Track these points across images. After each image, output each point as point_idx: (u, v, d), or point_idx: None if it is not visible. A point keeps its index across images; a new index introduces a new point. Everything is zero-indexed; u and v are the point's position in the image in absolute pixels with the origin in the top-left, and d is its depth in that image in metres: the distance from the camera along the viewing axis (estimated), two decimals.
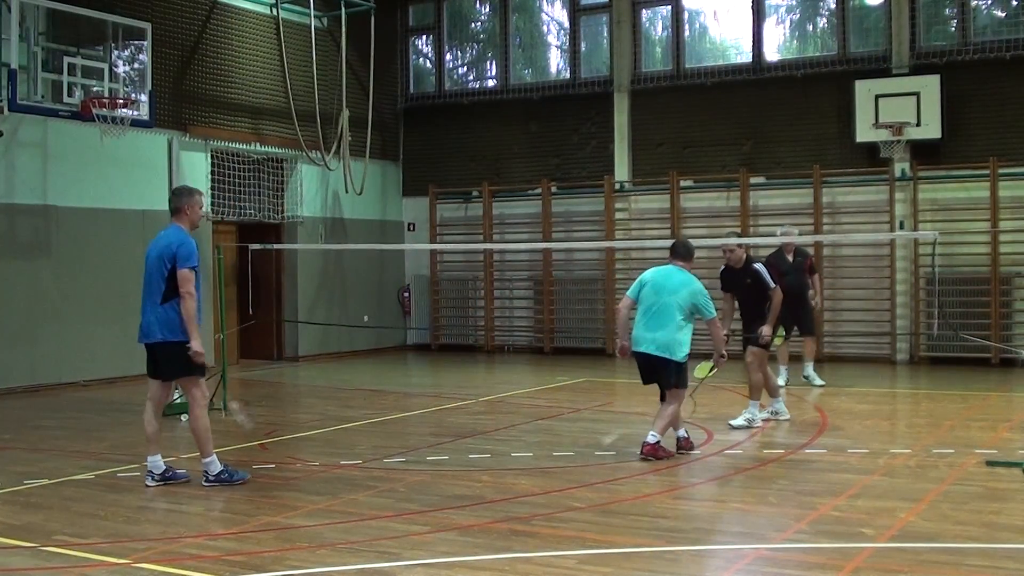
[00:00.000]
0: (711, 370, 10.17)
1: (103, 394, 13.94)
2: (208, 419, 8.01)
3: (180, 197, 8.15)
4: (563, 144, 19.23)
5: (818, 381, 13.58)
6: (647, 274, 9.10)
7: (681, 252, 9.19)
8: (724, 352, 9.17)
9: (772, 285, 10.37)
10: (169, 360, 7.89)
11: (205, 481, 7.91)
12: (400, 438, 10.18)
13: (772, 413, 10.94)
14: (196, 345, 7.77)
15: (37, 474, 8.45)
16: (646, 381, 9.11)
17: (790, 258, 13.13)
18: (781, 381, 12.79)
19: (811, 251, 14.20)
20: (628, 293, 9.10)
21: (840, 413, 11.34)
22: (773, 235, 17.18)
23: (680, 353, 8.82)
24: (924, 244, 15.81)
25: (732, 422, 10.49)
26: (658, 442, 8.71)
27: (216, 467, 7.93)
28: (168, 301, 7.81)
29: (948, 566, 5.70)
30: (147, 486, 7.94)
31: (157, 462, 8.00)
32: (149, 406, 8.10)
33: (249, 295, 13.75)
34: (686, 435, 9.16)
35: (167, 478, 8.00)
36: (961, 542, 6.17)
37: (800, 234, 14.47)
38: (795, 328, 13.13)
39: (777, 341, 11.91)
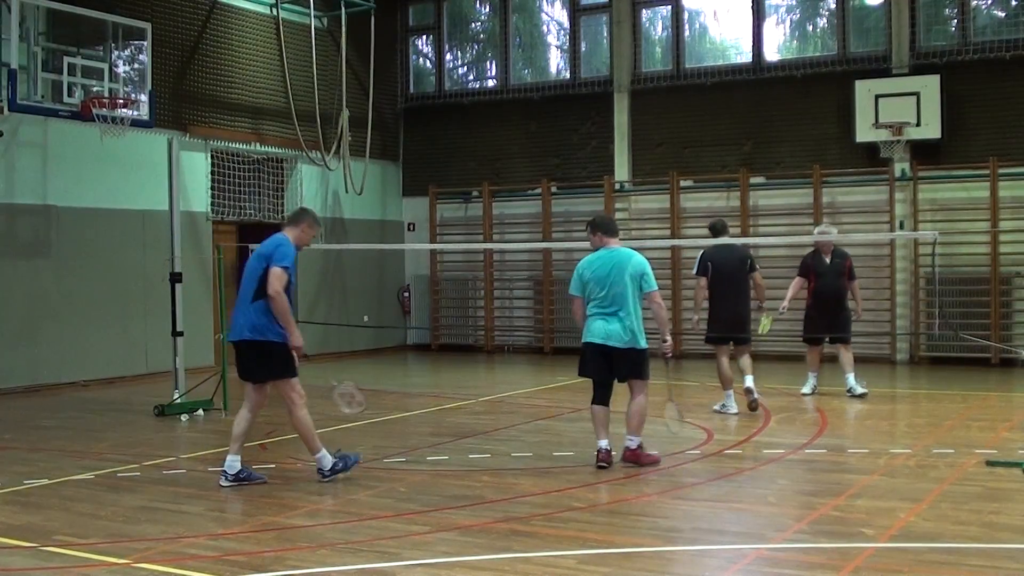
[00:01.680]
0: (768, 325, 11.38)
1: (103, 394, 13.94)
2: (310, 418, 8.03)
3: (303, 215, 8.29)
4: (563, 144, 19.23)
5: (860, 390, 12.16)
6: (583, 267, 8.51)
7: (612, 228, 8.72)
8: (668, 337, 8.56)
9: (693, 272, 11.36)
10: (260, 360, 7.93)
11: (322, 477, 7.96)
12: (400, 438, 10.18)
13: (721, 407, 11.34)
14: (297, 340, 7.87)
15: (37, 474, 8.45)
16: (601, 378, 8.51)
17: (827, 259, 12.21)
18: (807, 389, 12.36)
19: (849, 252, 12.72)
20: (572, 291, 8.61)
21: (840, 413, 11.34)
22: (774, 235, 17.34)
23: (644, 339, 8.43)
24: (924, 244, 15.81)
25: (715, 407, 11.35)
26: (639, 445, 8.40)
27: (327, 462, 7.96)
28: (258, 300, 7.87)
29: (948, 566, 5.70)
30: (221, 486, 7.91)
31: (234, 463, 7.99)
32: (243, 407, 8.15)
33: None
34: (634, 446, 8.51)
35: (241, 479, 7.97)
36: (961, 542, 6.16)
37: (839, 232, 13.43)
38: (827, 336, 12.32)
39: (765, 324, 11.99)
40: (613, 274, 8.33)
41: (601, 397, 8.57)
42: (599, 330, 8.38)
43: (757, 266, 11.48)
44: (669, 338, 8.53)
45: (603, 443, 8.44)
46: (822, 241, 12.14)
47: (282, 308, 7.77)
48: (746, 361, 11.40)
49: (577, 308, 8.65)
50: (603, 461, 8.37)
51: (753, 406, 11.15)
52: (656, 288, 8.44)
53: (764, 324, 12.01)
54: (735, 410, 11.20)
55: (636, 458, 8.39)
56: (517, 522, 6.75)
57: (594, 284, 8.41)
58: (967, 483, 7.73)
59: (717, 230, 11.40)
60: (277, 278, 7.76)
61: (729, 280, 11.19)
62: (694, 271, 11.38)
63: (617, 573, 5.72)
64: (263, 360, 7.91)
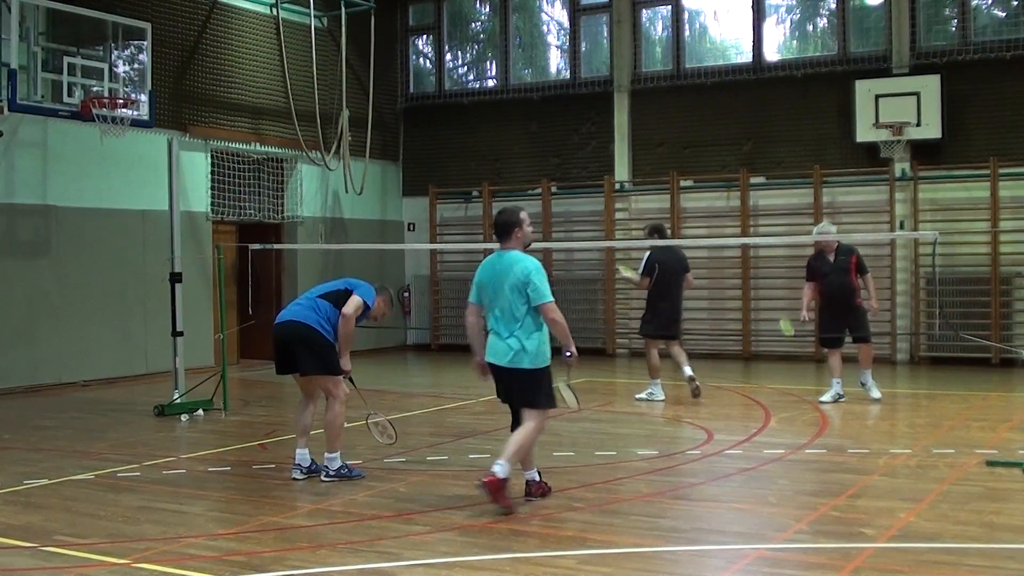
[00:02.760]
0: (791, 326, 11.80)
1: (103, 394, 13.94)
2: (344, 418, 8.11)
3: (383, 291, 8.43)
4: (563, 144, 19.23)
5: (875, 393, 11.93)
6: (478, 272, 7.37)
7: (503, 228, 7.30)
8: (573, 350, 7.22)
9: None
10: (308, 352, 8.02)
11: (325, 476, 8.01)
12: (400, 438, 10.15)
13: (648, 395, 12.21)
14: (345, 363, 8.11)
15: (37, 474, 8.45)
16: (504, 398, 7.45)
17: (831, 258, 11.97)
18: (827, 397, 11.87)
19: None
20: (470, 298, 7.43)
21: (840, 413, 11.33)
22: (774, 235, 17.35)
23: (532, 360, 7.09)
24: (924, 244, 15.80)
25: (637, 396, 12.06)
26: (506, 478, 6.91)
27: (336, 464, 8.03)
28: (328, 302, 8.11)
29: (948, 566, 5.70)
30: (294, 479, 8.08)
31: (304, 456, 8.15)
32: (301, 401, 8.34)
33: (249, 295, 13.74)
34: (538, 478, 7.42)
35: (312, 471, 8.12)
36: (961, 542, 6.16)
37: (837, 231, 12.94)
38: (847, 333, 12.07)
39: (786, 328, 12.24)
40: (494, 283, 7.19)
41: (515, 421, 7.37)
42: (489, 346, 7.25)
43: (690, 267, 12.68)
44: (573, 349, 7.23)
45: (528, 474, 7.40)
46: (822, 241, 12.02)
47: (348, 331, 8.05)
48: (679, 352, 12.36)
49: (466, 318, 7.44)
50: (531, 495, 7.32)
51: (696, 392, 12.07)
52: (547, 300, 7.05)
53: (786, 326, 12.21)
54: (662, 397, 12.28)
55: (495, 489, 6.87)
56: (517, 522, 6.75)
57: (483, 292, 7.29)
58: (967, 483, 7.73)
59: (662, 232, 12.82)
60: (356, 305, 8.05)
61: (672, 280, 12.30)
62: (640, 271, 12.44)
63: (617, 573, 5.72)
64: (313, 353, 8.01)
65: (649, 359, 12.42)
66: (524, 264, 7.11)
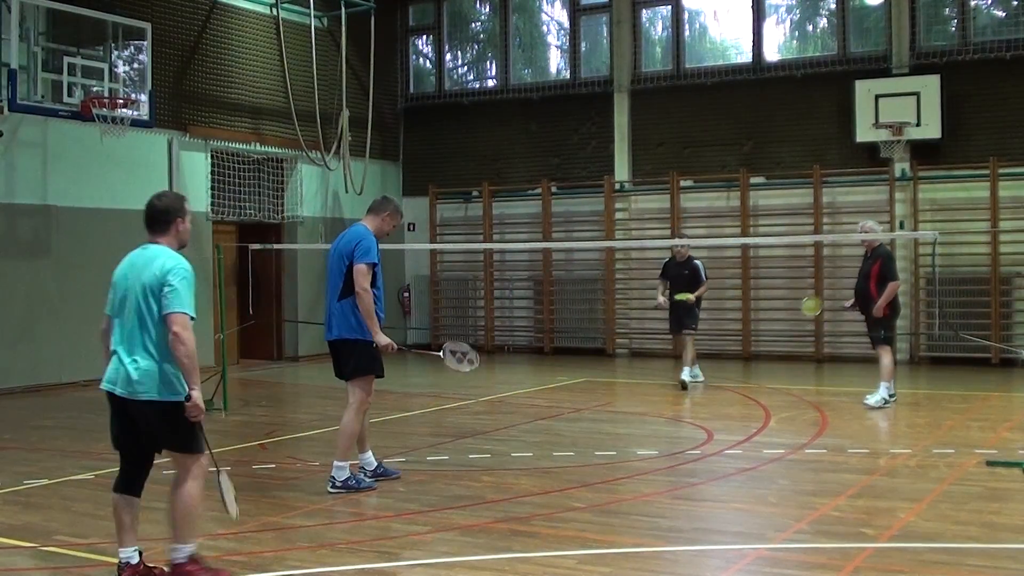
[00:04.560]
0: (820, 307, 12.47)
1: (103, 394, 13.92)
2: (359, 426, 7.87)
3: (386, 204, 8.24)
4: (563, 144, 19.22)
5: (875, 399, 11.56)
6: (116, 269, 5.64)
7: (153, 220, 5.61)
8: (195, 393, 5.33)
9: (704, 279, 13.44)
10: (346, 357, 7.91)
11: (331, 487, 7.65)
12: (400, 438, 10.17)
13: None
14: (380, 339, 7.80)
15: (37, 474, 8.45)
16: (126, 446, 5.55)
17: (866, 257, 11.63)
18: (872, 400, 11.43)
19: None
20: (106, 308, 5.59)
21: (840, 413, 11.33)
22: (774, 235, 17.35)
23: (165, 389, 5.34)
24: (924, 244, 15.80)
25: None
26: (191, 557, 5.45)
27: (344, 475, 7.71)
28: (345, 298, 7.87)
29: (948, 566, 5.70)
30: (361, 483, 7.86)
31: (368, 459, 8.06)
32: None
33: (249, 295, 13.75)
34: (187, 557, 5.46)
35: (379, 474, 8.03)
36: (961, 542, 6.17)
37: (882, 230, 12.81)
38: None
39: (810, 308, 12.55)
40: (124, 285, 5.48)
41: (125, 479, 5.53)
42: (108, 369, 5.52)
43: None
44: (195, 392, 5.34)
45: (124, 552, 5.45)
46: (865, 240, 11.59)
47: (366, 307, 7.74)
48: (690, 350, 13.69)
49: (102, 332, 5.60)
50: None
51: (683, 387, 13.28)
52: (180, 310, 5.30)
53: (809, 305, 12.66)
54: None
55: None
56: (517, 522, 6.75)
57: (115, 295, 5.55)
58: (967, 483, 7.73)
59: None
60: (363, 275, 7.75)
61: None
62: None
63: (617, 573, 5.72)
64: (351, 355, 7.90)
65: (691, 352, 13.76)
66: (165, 261, 5.41)
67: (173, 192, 5.94)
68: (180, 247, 5.61)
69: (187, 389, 5.32)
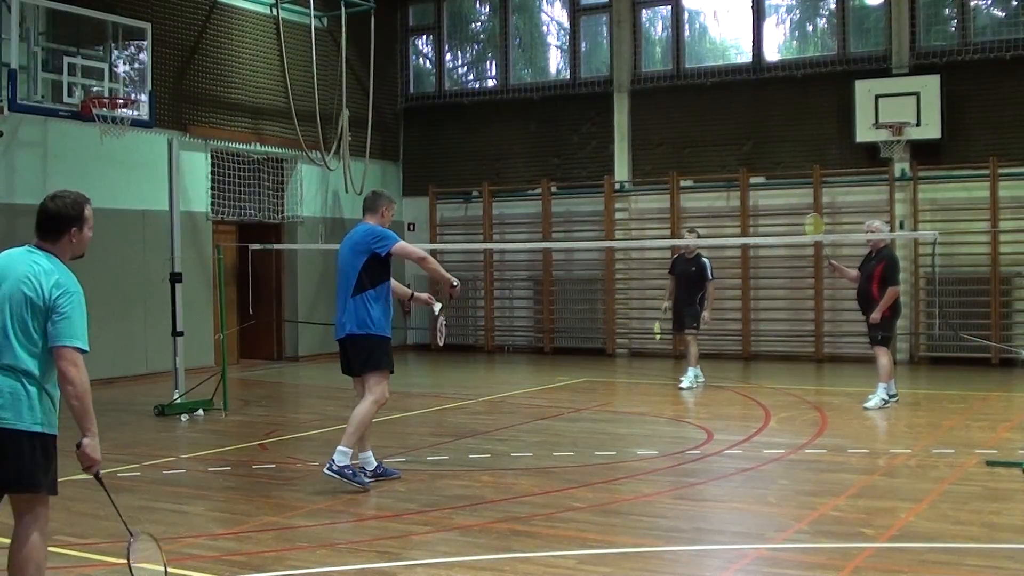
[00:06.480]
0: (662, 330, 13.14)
1: (103, 394, 13.89)
2: (373, 418, 7.95)
3: (378, 199, 8.22)
4: (563, 144, 19.22)
5: (874, 400, 11.43)
6: None
7: (45, 225, 5.01)
8: (90, 438, 4.69)
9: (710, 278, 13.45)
10: (358, 354, 7.94)
11: (327, 469, 7.71)
12: (400, 438, 10.17)
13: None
14: (452, 279, 7.92)
15: None
16: None
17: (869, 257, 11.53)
18: (870, 404, 11.34)
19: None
20: None
21: (840, 413, 11.33)
22: (774, 235, 17.35)
23: (41, 420, 4.57)
24: (924, 244, 15.80)
25: None
26: None
27: (344, 460, 7.73)
28: (359, 294, 7.90)
29: (948, 566, 5.71)
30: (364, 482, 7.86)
31: (369, 458, 8.07)
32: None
33: (249, 295, 13.75)
34: None
35: (379, 475, 8.03)
36: (961, 542, 6.17)
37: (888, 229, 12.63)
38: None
39: (810, 228, 12.13)
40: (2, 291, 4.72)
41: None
42: None
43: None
44: (88, 439, 4.64)
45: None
46: (871, 239, 11.37)
47: (434, 265, 8.03)
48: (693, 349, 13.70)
49: None
50: None
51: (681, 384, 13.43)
52: (71, 344, 4.54)
53: (810, 226, 11.79)
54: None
55: None
56: (517, 522, 6.75)
57: None
58: (967, 483, 7.74)
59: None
60: (406, 248, 7.99)
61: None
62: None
63: (617, 573, 5.72)
64: (363, 351, 7.91)
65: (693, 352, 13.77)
66: (59, 279, 4.75)
67: (74, 194, 4.93)
68: (74, 258, 4.96)
69: (88, 432, 4.59)
